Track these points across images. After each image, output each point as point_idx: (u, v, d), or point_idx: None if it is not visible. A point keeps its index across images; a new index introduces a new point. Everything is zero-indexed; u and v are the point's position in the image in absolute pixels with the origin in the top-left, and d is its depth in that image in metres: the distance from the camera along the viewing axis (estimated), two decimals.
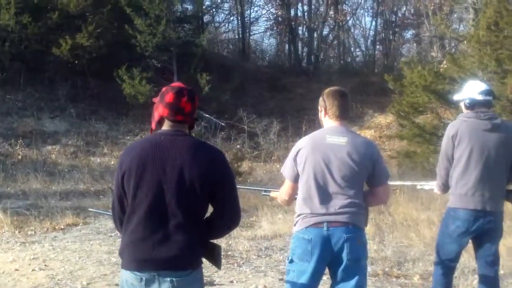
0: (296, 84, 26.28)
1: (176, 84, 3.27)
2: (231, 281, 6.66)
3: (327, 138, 3.90)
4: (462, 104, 4.79)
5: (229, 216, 3.21)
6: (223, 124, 20.64)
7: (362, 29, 36.40)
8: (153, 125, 3.25)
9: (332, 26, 33.66)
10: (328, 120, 4.02)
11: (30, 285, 6.52)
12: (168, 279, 3.04)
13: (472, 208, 4.54)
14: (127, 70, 19.96)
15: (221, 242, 7.00)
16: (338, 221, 3.80)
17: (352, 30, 35.66)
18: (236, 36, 34.99)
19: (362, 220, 3.93)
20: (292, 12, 33.28)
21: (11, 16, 19.08)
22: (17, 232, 9.27)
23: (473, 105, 4.65)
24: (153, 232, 3.06)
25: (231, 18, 35.29)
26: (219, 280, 6.64)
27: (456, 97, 4.97)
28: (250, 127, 19.93)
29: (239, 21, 33.84)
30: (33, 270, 7.12)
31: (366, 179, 3.94)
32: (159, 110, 3.18)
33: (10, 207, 10.34)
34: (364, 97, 23.94)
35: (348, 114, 4.05)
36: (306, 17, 32.90)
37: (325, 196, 3.85)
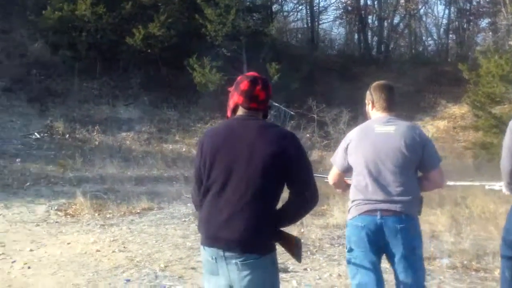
0: (365, 74, 25.80)
1: (251, 73, 3.33)
2: (305, 269, 6.69)
3: (375, 128, 3.99)
4: None
5: (309, 194, 3.16)
6: (292, 113, 20.63)
7: (434, 17, 35.64)
8: (229, 113, 3.34)
9: (403, 15, 33.08)
10: (375, 113, 4.13)
11: (111, 265, 6.72)
12: (234, 260, 3.08)
13: None
14: (198, 59, 20.20)
15: (293, 230, 7.08)
16: (391, 209, 3.84)
17: (424, 18, 34.95)
18: (305, 25, 34.85)
19: (415, 208, 3.94)
20: (362, 0, 32.91)
21: (88, 6, 19.67)
22: (96, 214, 9.60)
23: None
24: (222, 211, 3.10)
25: (300, 7, 35.12)
26: (293, 267, 6.64)
27: None
28: (320, 116, 19.84)
29: (308, 10, 33.70)
30: (113, 251, 7.34)
31: (418, 164, 3.94)
32: (234, 98, 3.28)
33: (89, 190, 10.72)
34: (436, 87, 23.45)
35: (394, 107, 4.11)
36: (376, 6, 32.47)
37: (378, 184, 3.89)
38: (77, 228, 8.71)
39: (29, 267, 6.64)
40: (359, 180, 3.98)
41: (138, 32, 20.24)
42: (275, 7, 30.46)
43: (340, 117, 19.62)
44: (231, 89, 3.32)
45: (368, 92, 4.20)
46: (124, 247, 7.56)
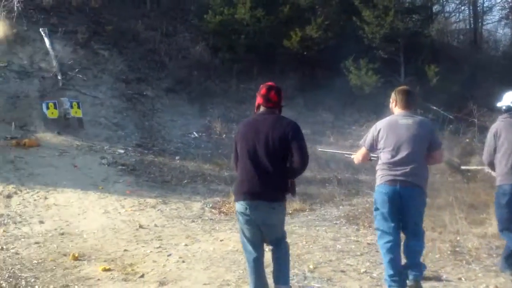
0: None
1: (270, 83, 5.10)
2: (459, 278, 6.40)
3: (399, 121, 5.60)
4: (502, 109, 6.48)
5: (301, 162, 4.85)
6: (451, 117, 19.82)
7: None
8: (256, 109, 5.09)
9: None
10: (397, 109, 5.72)
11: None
12: (262, 207, 4.83)
13: None
14: (354, 61, 20.05)
15: (448, 237, 6.80)
16: (408, 181, 5.51)
17: None
18: (467, 26, 33.34)
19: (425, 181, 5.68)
20: None
21: (247, 10, 20.24)
22: None
23: (509, 110, 6.37)
24: (250, 174, 4.85)
25: (463, 7, 33.66)
26: (447, 276, 6.41)
27: (498, 104, 6.53)
28: (481, 120, 18.83)
29: (471, 10, 32.32)
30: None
31: (428, 146, 5.59)
32: (257, 99, 5.04)
33: None
34: None
35: (411, 106, 5.76)
36: None
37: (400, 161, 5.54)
38: (229, 226, 8.95)
39: (183, 261, 6.96)
40: (387, 156, 5.55)
41: (295, 34, 20.44)
42: (435, 8, 29.40)
43: None
44: (257, 93, 5.02)
45: (393, 94, 5.77)
46: None
